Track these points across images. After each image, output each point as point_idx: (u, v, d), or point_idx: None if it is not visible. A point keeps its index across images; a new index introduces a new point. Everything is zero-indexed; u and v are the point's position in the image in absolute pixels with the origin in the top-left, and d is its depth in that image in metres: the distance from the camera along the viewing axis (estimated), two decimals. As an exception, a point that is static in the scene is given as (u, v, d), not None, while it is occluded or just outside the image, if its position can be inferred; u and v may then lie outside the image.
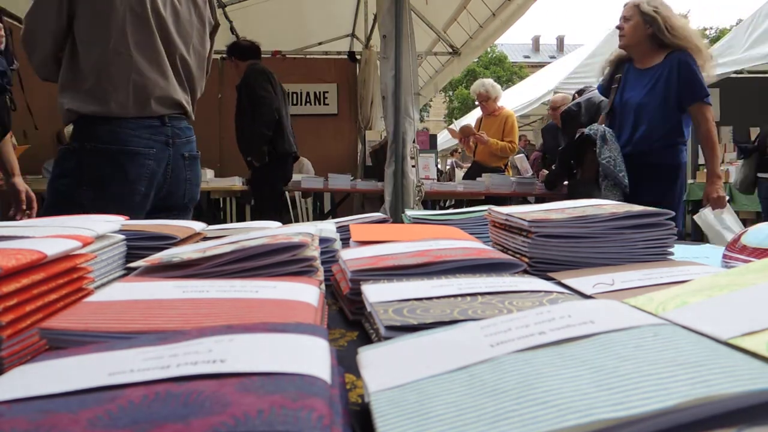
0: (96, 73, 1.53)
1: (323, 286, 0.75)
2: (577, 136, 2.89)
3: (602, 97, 3.35)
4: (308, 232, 0.83)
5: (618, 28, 2.60)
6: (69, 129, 1.86)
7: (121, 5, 1.53)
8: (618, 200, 2.57)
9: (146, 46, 1.59)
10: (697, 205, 6.84)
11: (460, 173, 6.64)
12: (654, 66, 2.52)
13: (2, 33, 1.98)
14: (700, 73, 2.43)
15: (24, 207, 2.18)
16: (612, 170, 2.51)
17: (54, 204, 1.54)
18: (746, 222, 5.63)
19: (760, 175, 4.83)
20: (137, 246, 0.92)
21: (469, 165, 5.31)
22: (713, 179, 2.47)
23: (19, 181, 2.21)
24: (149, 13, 1.56)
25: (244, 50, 3.98)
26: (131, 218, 1.37)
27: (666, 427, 0.29)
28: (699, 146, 7.10)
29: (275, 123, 3.81)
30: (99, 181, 1.54)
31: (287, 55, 6.45)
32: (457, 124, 4.94)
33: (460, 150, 7.90)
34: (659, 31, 2.48)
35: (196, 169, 1.78)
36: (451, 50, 6.20)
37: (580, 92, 3.62)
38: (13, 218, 2.13)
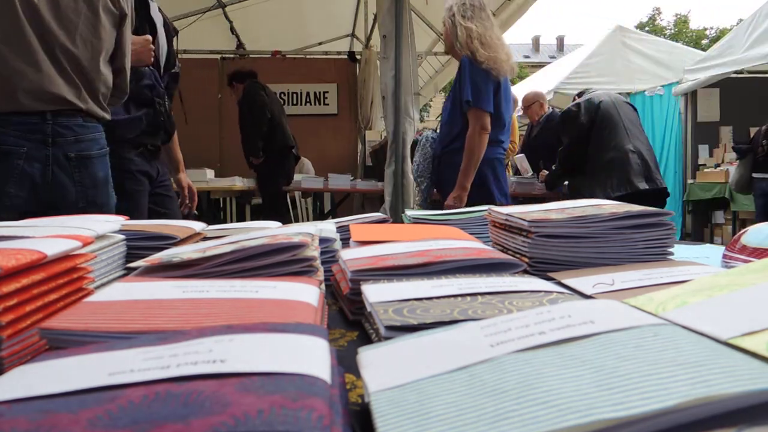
0: None
1: (323, 286, 0.75)
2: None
3: (602, 98, 3.35)
4: (308, 232, 0.83)
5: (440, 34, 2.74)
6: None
7: None
8: (423, 199, 2.71)
9: (11, 34, 1.48)
10: (697, 205, 6.86)
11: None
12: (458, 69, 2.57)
13: (152, 47, 1.96)
14: (473, 78, 2.41)
15: (187, 201, 2.45)
16: (415, 175, 2.66)
17: None
18: (746, 222, 5.63)
19: (754, 175, 4.84)
20: (137, 246, 0.92)
21: None
22: (457, 189, 2.45)
23: (183, 177, 2.47)
24: (18, 7, 1.47)
25: (242, 75, 4.67)
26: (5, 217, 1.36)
27: (666, 427, 0.29)
28: (698, 147, 7.12)
29: (268, 120, 4.38)
30: None
31: (287, 55, 6.45)
32: None
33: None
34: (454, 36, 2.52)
35: (89, 171, 1.64)
36: (450, 50, 6.19)
37: (580, 94, 3.61)
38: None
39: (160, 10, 2.27)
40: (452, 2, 2.55)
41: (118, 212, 1.85)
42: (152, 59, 2.00)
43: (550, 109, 4.48)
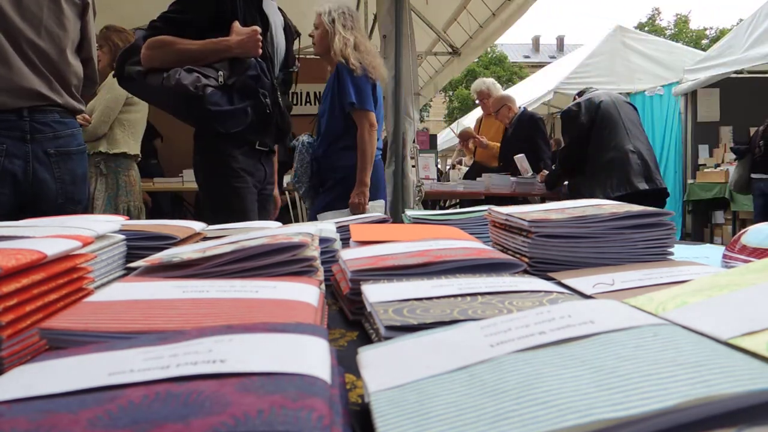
0: None
1: (323, 286, 0.75)
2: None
3: (602, 97, 3.35)
4: (308, 232, 0.83)
5: (310, 36, 2.71)
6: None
7: None
8: (309, 200, 2.72)
9: None
10: (697, 205, 6.86)
11: (454, 173, 6.64)
12: (332, 74, 2.62)
13: (260, 37, 1.93)
14: (354, 81, 2.48)
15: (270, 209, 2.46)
16: (294, 181, 2.72)
17: None
18: (746, 222, 5.63)
19: (753, 175, 4.85)
20: (137, 246, 0.92)
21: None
22: (358, 186, 2.52)
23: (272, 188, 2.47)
24: None
25: None
26: None
27: (666, 427, 0.29)
28: (698, 147, 7.12)
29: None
30: None
31: (287, 55, 6.45)
32: (458, 125, 4.94)
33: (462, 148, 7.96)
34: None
35: (68, 167, 1.65)
36: (451, 50, 6.19)
37: (581, 93, 3.61)
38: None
39: (281, 11, 2.26)
40: (329, 8, 2.59)
41: (227, 210, 1.89)
42: (260, 51, 1.95)
43: (521, 109, 4.48)
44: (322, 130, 2.65)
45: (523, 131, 4.28)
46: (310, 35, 2.75)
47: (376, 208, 2.62)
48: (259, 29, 1.94)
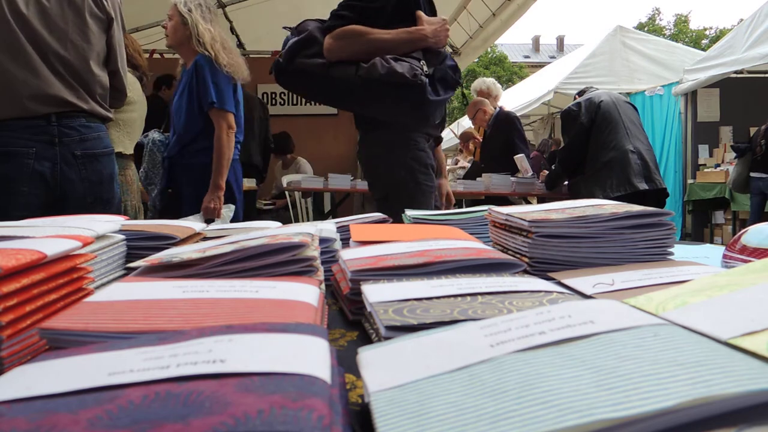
0: None
1: (323, 286, 0.75)
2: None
3: (602, 97, 3.35)
4: (308, 232, 0.83)
5: (163, 27, 2.59)
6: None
7: None
8: (153, 206, 2.62)
9: (10, 48, 1.60)
10: (697, 205, 6.86)
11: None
12: (189, 69, 2.52)
13: (448, 27, 1.87)
14: (214, 79, 2.41)
15: (446, 205, 2.40)
16: (144, 183, 2.63)
17: None
18: (746, 222, 5.63)
19: (752, 174, 4.85)
20: (137, 246, 0.92)
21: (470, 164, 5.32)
22: (212, 189, 2.43)
23: (444, 182, 2.43)
24: (7, 14, 1.58)
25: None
26: (16, 213, 1.55)
27: (666, 427, 0.29)
28: (698, 147, 7.12)
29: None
30: None
31: (287, 56, 6.45)
32: (458, 125, 4.94)
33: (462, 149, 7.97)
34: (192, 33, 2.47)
35: (95, 168, 1.75)
36: (451, 50, 6.20)
37: (581, 93, 3.61)
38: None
39: None
40: None
41: (409, 207, 1.76)
42: (447, 41, 1.88)
43: (497, 109, 4.47)
44: (178, 129, 2.53)
45: (500, 131, 4.27)
46: (163, 26, 2.61)
47: (226, 213, 2.51)
48: (446, 19, 1.87)
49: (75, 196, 1.72)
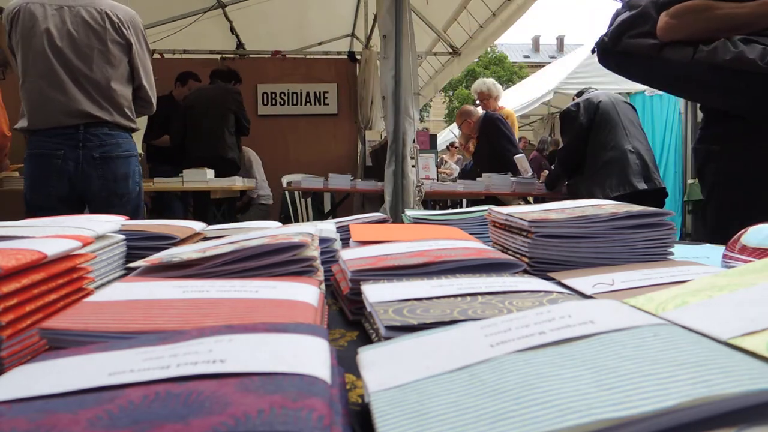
0: (23, 99, 2.11)
1: (323, 286, 0.75)
2: None
3: (601, 97, 3.35)
4: (308, 232, 0.83)
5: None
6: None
7: (30, 47, 2.07)
8: None
9: (47, 74, 2.07)
10: (697, 205, 6.86)
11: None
12: None
13: None
14: None
15: None
16: None
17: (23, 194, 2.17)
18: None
19: None
20: (137, 246, 0.92)
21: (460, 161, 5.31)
22: None
23: None
24: (47, 49, 2.07)
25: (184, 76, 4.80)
26: (48, 202, 2.08)
27: (666, 427, 0.29)
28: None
29: None
30: (29, 176, 2.13)
31: (287, 55, 6.45)
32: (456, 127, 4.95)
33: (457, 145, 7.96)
34: None
35: (110, 167, 2.15)
36: (451, 50, 6.20)
37: (580, 94, 3.61)
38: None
39: None
40: None
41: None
42: None
43: (484, 113, 4.47)
44: None
45: (486, 134, 4.26)
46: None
47: None
48: None
49: (92, 190, 2.13)
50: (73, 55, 2.08)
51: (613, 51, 1.66)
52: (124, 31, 2.17)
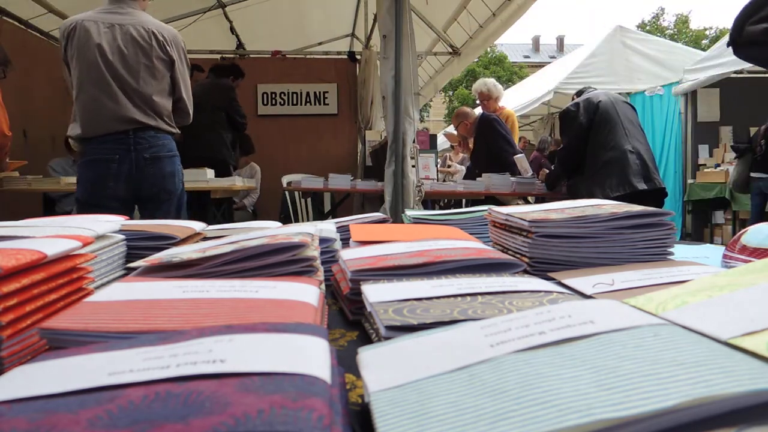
0: (77, 107, 2.33)
1: (323, 286, 0.75)
2: None
3: (600, 97, 3.34)
4: (308, 232, 0.83)
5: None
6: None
7: (85, 60, 2.30)
8: None
9: (100, 85, 2.31)
10: (697, 205, 6.86)
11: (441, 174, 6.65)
12: None
13: None
14: None
15: None
16: None
17: (76, 196, 2.39)
18: (746, 222, 5.63)
19: (752, 174, 4.84)
20: (137, 246, 0.92)
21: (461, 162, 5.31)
22: None
23: None
24: (100, 62, 2.30)
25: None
26: (106, 203, 2.29)
27: (666, 427, 0.29)
28: (698, 147, 7.12)
29: None
30: (87, 180, 2.34)
31: (287, 55, 6.45)
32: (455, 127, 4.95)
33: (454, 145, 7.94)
34: None
35: (159, 166, 2.39)
36: (451, 50, 6.20)
37: (579, 93, 3.61)
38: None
39: None
40: None
41: None
42: None
43: (481, 114, 4.47)
44: None
45: (483, 135, 4.25)
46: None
47: None
48: None
49: (145, 187, 2.36)
50: (122, 69, 2.32)
51: (739, 42, 1.61)
52: (168, 48, 2.41)
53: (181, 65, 2.50)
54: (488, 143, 4.18)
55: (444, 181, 4.77)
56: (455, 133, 4.82)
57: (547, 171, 3.88)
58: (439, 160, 8.64)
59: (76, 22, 2.30)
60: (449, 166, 7.91)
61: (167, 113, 2.45)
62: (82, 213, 2.08)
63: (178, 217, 2.50)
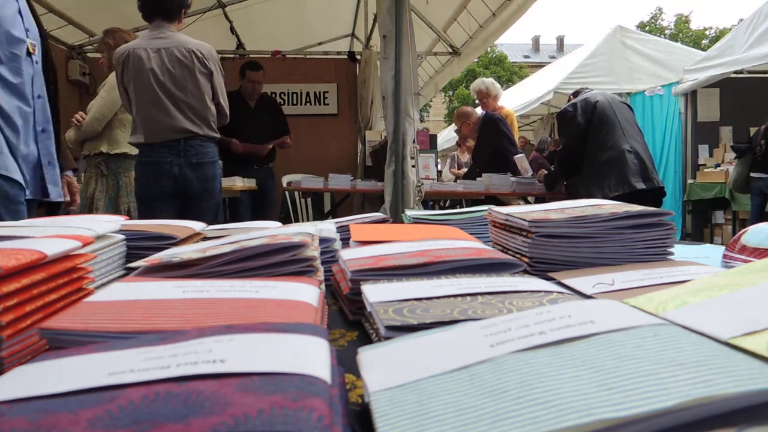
0: (138, 121, 2.77)
1: (323, 286, 0.75)
2: None
3: (598, 97, 3.34)
4: (308, 232, 0.83)
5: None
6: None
7: (140, 82, 2.71)
8: None
9: (155, 101, 2.73)
10: (697, 205, 6.86)
11: (446, 173, 6.60)
12: None
13: None
14: None
15: None
16: None
17: (135, 192, 2.89)
18: (746, 222, 5.63)
19: (752, 174, 4.85)
20: (137, 246, 0.92)
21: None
22: None
23: None
24: (153, 84, 2.71)
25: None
26: (158, 197, 2.77)
27: (666, 427, 0.29)
28: (698, 147, 7.13)
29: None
30: (142, 178, 2.79)
31: (287, 55, 6.45)
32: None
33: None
34: None
35: (201, 170, 2.81)
36: (451, 50, 6.20)
37: (576, 94, 3.61)
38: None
39: None
40: None
41: None
42: None
43: (483, 113, 4.47)
44: None
45: (486, 134, 4.24)
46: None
47: None
48: None
49: (191, 186, 2.77)
50: (172, 87, 2.74)
51: None
52: (207, 63, 2.83)
53: (218, 75, 2.91)
54: (492, 143, 4.18)
55: (455, 181, 4.76)
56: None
57: (546, 171, 3.88)
58: (448, 160, 8.62)
59: (129, 51, 2.74)
60: (459, 168, 7.88)
61: (212, 118, 2.87)
62: (141, 208, 2.81)
63: (216, 213, 2.93)
